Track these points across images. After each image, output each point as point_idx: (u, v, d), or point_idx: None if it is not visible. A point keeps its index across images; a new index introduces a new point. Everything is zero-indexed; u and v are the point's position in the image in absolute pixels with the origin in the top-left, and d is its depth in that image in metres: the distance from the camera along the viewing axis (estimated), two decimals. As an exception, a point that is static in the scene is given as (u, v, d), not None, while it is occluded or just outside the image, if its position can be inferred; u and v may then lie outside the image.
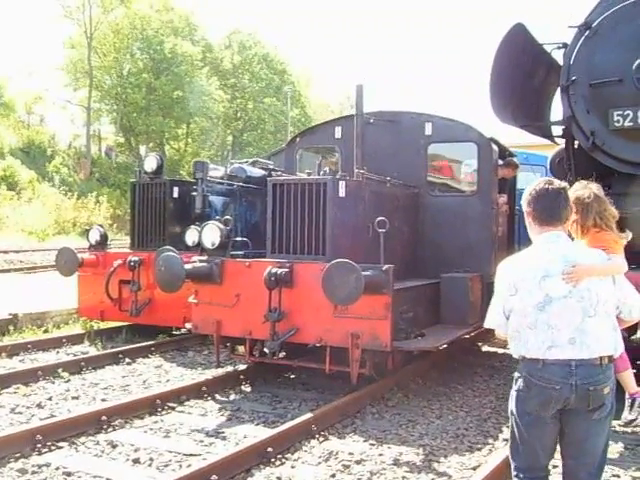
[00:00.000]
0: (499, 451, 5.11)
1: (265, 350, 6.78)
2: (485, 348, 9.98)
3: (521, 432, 3.30)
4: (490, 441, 5.62)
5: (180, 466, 4.88)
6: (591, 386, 3.15)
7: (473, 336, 9.82)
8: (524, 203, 3.43)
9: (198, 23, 45.46)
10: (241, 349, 7.38)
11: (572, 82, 6.70)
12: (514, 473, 3.43)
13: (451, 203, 8.51)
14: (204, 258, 7.14)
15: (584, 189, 4.43)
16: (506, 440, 5.47)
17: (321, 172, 7.07)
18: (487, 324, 3.44)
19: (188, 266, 6.87)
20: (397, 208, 7.91)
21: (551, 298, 3.20)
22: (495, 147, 8.47)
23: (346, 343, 6.42)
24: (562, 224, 3.40)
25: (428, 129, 8.49)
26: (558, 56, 6.96)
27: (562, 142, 7.47)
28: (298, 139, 9.17)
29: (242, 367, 7.64)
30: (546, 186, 3.34)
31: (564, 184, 3.43)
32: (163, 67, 41.27)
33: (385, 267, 6.31)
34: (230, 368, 7.69)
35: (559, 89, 6.85)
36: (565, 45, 6.79)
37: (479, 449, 5.42)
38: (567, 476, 3.38)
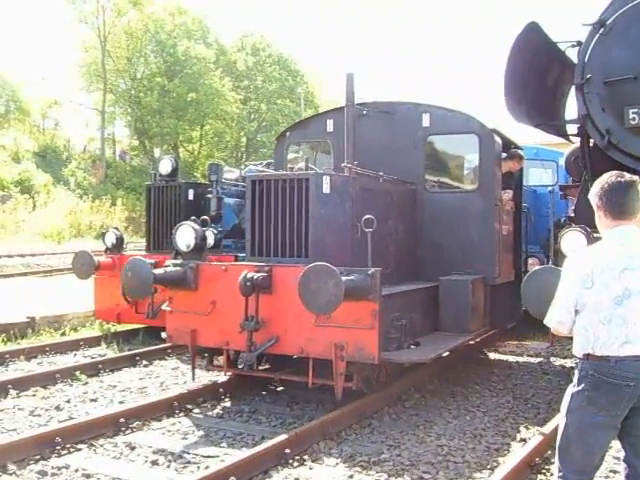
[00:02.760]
0: (517, 452, 5.01)
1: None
2: (492, 356, 9.23)
3: (579, 433, 3.18)
4: (508, 441, 5.53)
5: (198, 468, 4.84)
6: None
7: (480, 343, 9.13)
8: (594, 197, 3.32)
9: (211, 26, 45.02)
10: (221, 359, 6.70)
11: (587, 80, 6.53)
12: (560, 474, 3.30)
13: (451, 200, 7.77)
14: (178, 262, 6.49)
15: None
16: (524, 440, 5.48)
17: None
18: (548, 321, 3.33)
19: (158, 271, 6.22)
20: (391, 206, 7.19)
21: (630, 292, 3.11)
22: (498, 139, 7.71)
23: (329, 354, 5.73)
24: (635, 217, 3.30)
25: (426, 120, 7.76)
26: (572, 54, 6.83)
27: (577, 140, 7.30)
28: (288, 133, 8.48)
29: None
30: (618, 179, 3.26)
31: (635, 177, 3.33)
32: (176, 70, 40.82)
33: (371, 271, 5.61)
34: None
35: (573, 87, 6.70)
36: (579, 43, 6.63)
37: (497, 449, 5.33)
38: (634, 477, 3.25)
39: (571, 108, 7.32)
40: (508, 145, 8.32)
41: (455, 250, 7.61)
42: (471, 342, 8.50)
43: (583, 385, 3.17)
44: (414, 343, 6.45)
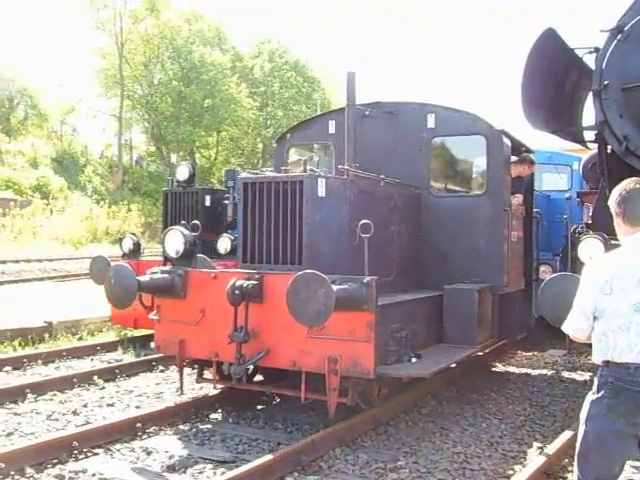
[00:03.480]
0: (534, 460, 4.93)
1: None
2: (500, 368, 8.79)
3: (598, 440, 3.12)
4: (524, 449, 5.47)
5: (214, 473, 4.81)
6: None
7: (486, 355, 8.69)
8: (613, 204, 3.30)
9: (227, 32, 44.83)
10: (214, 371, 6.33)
11: (604, 87, 6.38)
12: None
13: (457, 205, 7.34)
14: (166, 268, 6.14)
15: None
16: (540, 448, 5.39)
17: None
18: (566, 328, 3.29)
19: (144, 278, 5.87)
20: (393, 210, 6.79)
21: None
22: (507, 141, 7.29)
23: (322, 368, 5.34)
24: None
25: (431, 121, 7.36)
26: (590, 60, 6.72)
27: (594, 147, 7.23)
28: (289, 135, 8.11)
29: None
30: (637, 186, 3.26)
31: None
32: (193, 76, 40.67)
33: (367, 279, 5.21)
34: (260, 377, 6.87)
35: (591, 94, 6.59)
36: (597, 49, 6.51)
37: (513, 457, 5.28)
38: None
39: (588, 114, 7.19)
40: (518, 148, 7.89)
41: (461, 257, 7.19)
42: (479, 353, 8.10)
43: (602, 392, 3.12)
44: (415, 356, 6.04)
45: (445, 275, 7.11)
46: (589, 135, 7.15)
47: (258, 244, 5.97)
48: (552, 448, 5.07)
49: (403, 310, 6.14)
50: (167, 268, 6.13)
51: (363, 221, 5.52)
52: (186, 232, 6.13)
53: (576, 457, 3.27)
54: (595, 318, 3.14)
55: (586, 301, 3.17)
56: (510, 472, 4.92)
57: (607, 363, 3.11)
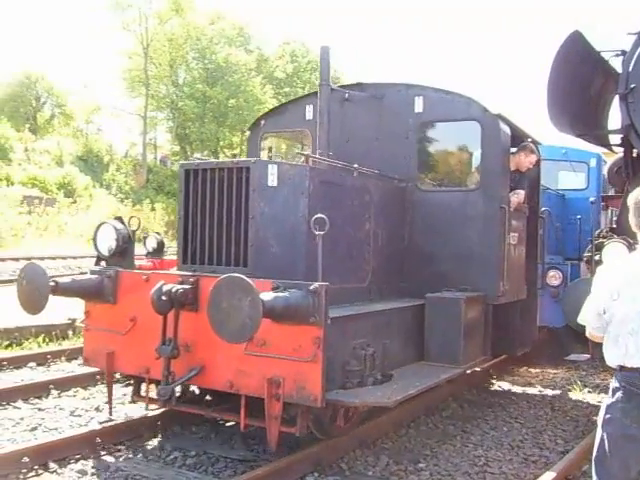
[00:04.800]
0: (555, 464, 4.79)
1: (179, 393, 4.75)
2: (501, 384, 7.69)
3: (614, 445, 3.06)
4: (546, 454, 5.34)
5: (235, 472, 4.65)
6: None
7: (487, 369, 7.60)
8: (631, 215, 3.18)
9: (252, 33, 44.01)
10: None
11: (631, 90, 6.22)
12: None
13: (447, 201, 6.25)
14: (96, 269, 5.19)
15: None
16: (562, 453, 5.26)
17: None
18: (582, 319, 3.24)
19: (65, 279, 4.94)
20: (369, 206, 5.73)
21: None
22: (505, 127, 6.18)
23: (263, 392, 4.32)
24: None
25: (418, 105, 6.30)
26: (616, 64, 6.57)
27: (620, 151, 7.11)
28: (263, 122, 7.10)
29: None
30: None
31: None
32: (217, 76, 39.96)
33: (313, 286, 4.18)
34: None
35: (617, 97, 6.44)
36: (624, 52, 6.36)
37: (534, 462, 5.15)
38: None
39: (614, 118, 7.07)
40: (520, 137, 6.76)
41: (451, 261, 6.12)
42: (476, 369, 7.03)
43: (617, 397, 3.07)
44: (384, 378, 5.00)
45: (432, 281, 6.05)
46: (615, 139, 6.98)
47: (200, 242, 4.99)
48: (573, 453, 4.96)
49: (372, 322, 5.10)
50: (97, 268, 5.19)
51: (317, 216, 4.48)
52: (120, 226, 5.19)
53: (593, 462, 3.19)
54: (607, 322, 3.08)
55: (596, 303, 3.12)
56: (531, 476, 4.77)
57: (621, 368, 3.05)
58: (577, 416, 6.46)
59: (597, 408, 6.00)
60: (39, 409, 5.94)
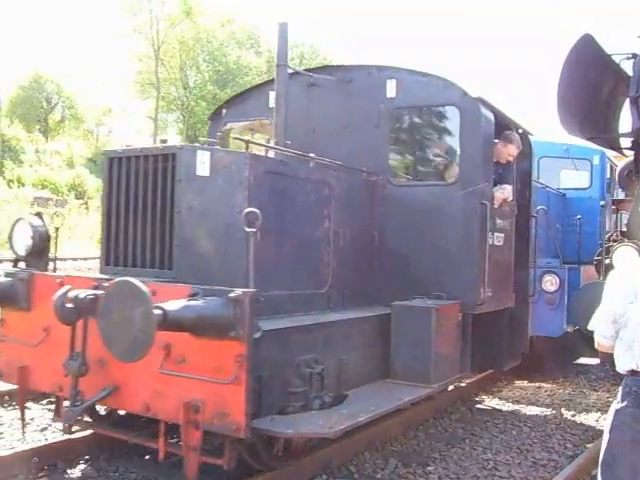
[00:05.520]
0: (564, 468, 4.77)
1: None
2: (489, 402, 6.92)
3: (623, 451, 2.94)
4: (555, 457, 5.26)
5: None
6: None
7: (472, 385, 6.84)
8: None
9: (262, 35, 43.44)
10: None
11: None
12: None
13: (422, 196, 5.47)
14: (11, 270, 4.50)
15: None
16: (571, 457, 5.15)
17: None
18: (593, 327, 3.09)
19: (-33, 282, 4.25)
20: (329, 201, 4.98)
21: None
22: (487, 114, 5.40)
23: (179, 418, 3.59)
24: None
25: (391, 89, 5.55)
26: (627, 67, 6.41)
27: (631, 154, 6.84)
28: (224, 111, 6.38)
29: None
30: None
31: None
32: (228, 78, 39.46)
33: (234, 293, 3.44)
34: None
35: (628, 100, 6.26)
36: (635, 55, 6.18)
37: (543, 465, 5.07)
38: None
39: (625, 121, 6.80)
40: (507, 125, 5.96)
41: (426, 265, 5.36)
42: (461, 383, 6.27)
43: (627, 402, 2.95)
44: (337, 399, 4.25)
45: (405, 287, 5.30)
46: (626, 142, 6.79)
47: (124, 241, 4.29)
48: (582, 457, 4.87)
49: (324, 335, 4.35)
50: (12, 270, 4.50)
51: (247, 210, 3.75)
52: (37, 223, 4.49)
53: (600, 466, 3.10)
54: (621, 326, 2.96)
55: (610, 309, 3.01)
56: None
57: (632, 372, 2.95)
58: (586, 420, 6.31)
59: (607, 412, 6.05)
60: (49, 410, 5.63)
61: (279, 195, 4.49)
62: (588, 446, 5.31)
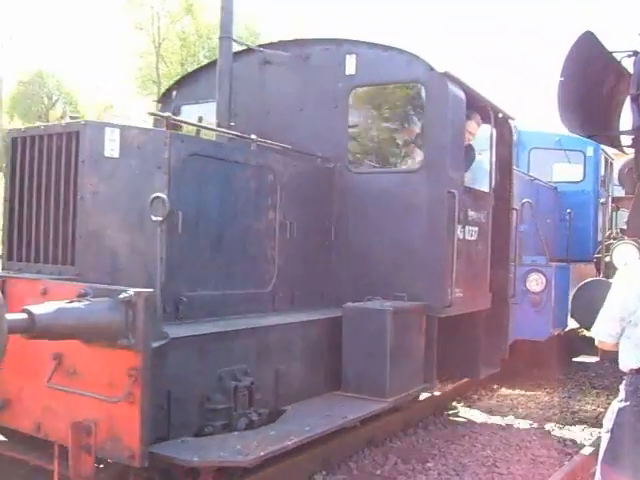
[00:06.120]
0: (564, 465, 4.65)
1: None
2: (488, 401, 6.67)
3: (627, 450, 2.86)
4: (554, 454, 5.17)
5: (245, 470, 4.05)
6: None
7: (448, 394, 6.25)
8: None
9: (261, 31, 42.77)
10: None
11: None
12: None
13: (384, 185, 4.85)
14: None
15: None
16: (570, 454, 5.05)
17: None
18: (596, 333, 2.97)
19: None
20: (275, 189, 4.39)
21: None
22: (457, 91, 4.76)
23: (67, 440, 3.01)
24: None
25: (350, 66, 4.94)
26: (628, 64, 6.39)
27: (631, 152, 6.79)
28: (175, 92, 5.79)
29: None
30: None
31: None
32: (229, 75, 38.87)
33: (124, 294, 2.84)
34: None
35: (629, 98, 6.22)
36: (636, 53, 6.15)
37: (542, 462, 4.96)
38: None
39: (626, 119, 6.87)
40: (484, 107, 5.33)
41: (388, 261, 4.75)
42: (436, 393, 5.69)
43: (631, 400, 2.86)
44: (270, 416, 3.65)
45: (365, 286, 4.70)
46: (626, 140, 6.85)
47: (26, 232, 3.70)
48: (582, 455, 4.77)
49: (255, 342, 3.76)
50: None
51: (155, 195, 3.16)
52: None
53: (599, 464, 2.97)
54: (628, 325, 2.84)
55: (618, 306, 2.87)
56: (539, 477, 4.64)
57: (638, 371, 2.84)
58: (586, 418, 6.19)
59: (606, 410, 6.17)
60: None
61: (210, 181, 3.90)
62: (587, 444, 5.17)
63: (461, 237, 4.84)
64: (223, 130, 4.39)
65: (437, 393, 6.09)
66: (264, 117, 5.18)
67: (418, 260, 4.66)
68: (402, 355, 4.28)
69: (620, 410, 2.92)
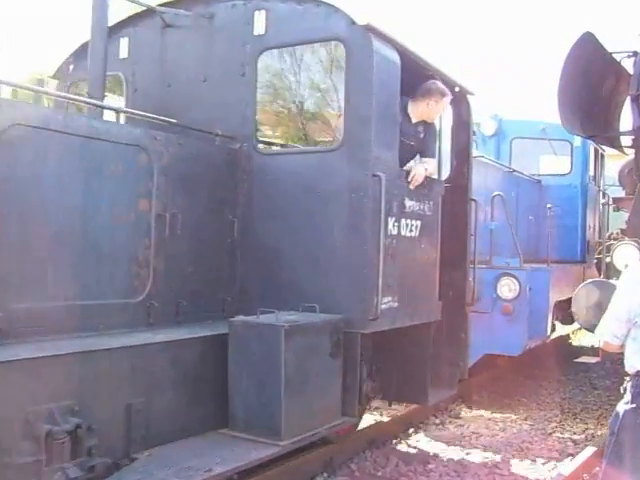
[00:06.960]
0: (565, 467, 4.56)
1: None
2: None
3: (633, 451, 2.83)
4: (555, 455, 5.04)
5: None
6: None
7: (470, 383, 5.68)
8: None
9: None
10: None
11: None
12: None
13: (296, 168, 3.88)
14: None
15: None
16: (571, 455, 4.97)
17: None
18: (601, 335, 2.99)
19: None
20: (151, 174, 3.44)
21: None
22: (387, 51, 3.77)
23: None
24: None
25: (259, 24, 4.00)
26: (628, 65, 6.20)
27: (632, 152, 6.59)
28: (71, 66, 4.87)
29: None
30: None
31: None
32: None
33: None
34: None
35: (629, 98, 6.04)
36: (636, 53, 5.93)
37: (543, 464, 4.85)
38: None
39: (626, 119, 6.71)
40: (430, 76, 4.33)
41: (301, 263, 3.78)
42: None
43: (637, 402, 2.83)
44: (120, 465, 2.71)
45: (273, 296, 3.74)
46: (626, 140, 6.71)
47: None
48: (583, 456, 4.62)
49: (92, 370, 2.80)
50: None
51: None
52: None
53: (606, 467, 2.93)
54: (634, 327, 2.82)
55: (624, 308, 2.85)
56: (540, 478, 4.54)
57: None
58: (587, 419, 6.13)
59: (607, 411, 6.01)
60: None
61: (42, 160, 2.96)
62: (588, 444, 5.07)
63: (394, 232, 3.85)
64: (97, 103, 3.45)
65: (385, 419, 5.17)
66: (165, 90, 4.26)
67: (337, 262, 3.69)
68: (305, 383, 3.31)
69: (625, 412, 2.88)
